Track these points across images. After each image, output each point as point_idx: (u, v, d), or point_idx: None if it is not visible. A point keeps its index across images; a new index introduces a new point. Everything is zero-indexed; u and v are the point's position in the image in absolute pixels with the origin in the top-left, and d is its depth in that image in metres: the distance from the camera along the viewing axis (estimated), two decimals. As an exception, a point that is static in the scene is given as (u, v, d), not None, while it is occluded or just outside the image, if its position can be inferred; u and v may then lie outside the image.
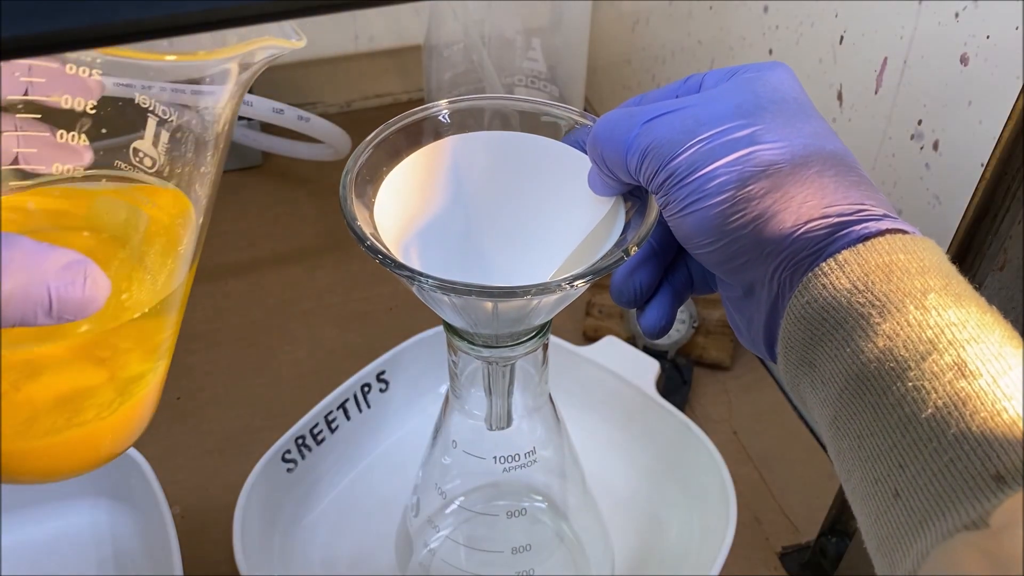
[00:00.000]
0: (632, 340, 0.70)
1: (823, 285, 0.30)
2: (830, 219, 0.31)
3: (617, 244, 0.36)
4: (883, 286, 0.29)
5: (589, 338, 0.73)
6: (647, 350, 0.69)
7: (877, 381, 0.28)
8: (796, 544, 0.62)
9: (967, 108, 0.50)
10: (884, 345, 0.28)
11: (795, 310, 0.31)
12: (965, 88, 0.50)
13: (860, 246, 0.30)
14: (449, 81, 0.83)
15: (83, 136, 0.28)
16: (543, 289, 0.33)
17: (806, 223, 0.31)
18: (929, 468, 0.26)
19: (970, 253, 0.43)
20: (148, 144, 0.29)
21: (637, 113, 0.34)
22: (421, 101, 0.90)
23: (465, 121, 0.39)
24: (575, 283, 0.33)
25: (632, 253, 0.34)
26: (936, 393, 0.27)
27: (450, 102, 0.39)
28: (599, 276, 0.34)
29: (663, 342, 0.72)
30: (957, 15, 0.49)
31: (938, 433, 0.26)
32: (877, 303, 0.29)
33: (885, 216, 0.31)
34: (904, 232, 0.31)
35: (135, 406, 0.31)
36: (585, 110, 0.42)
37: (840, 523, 0.58)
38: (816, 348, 0.30)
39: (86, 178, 0.29)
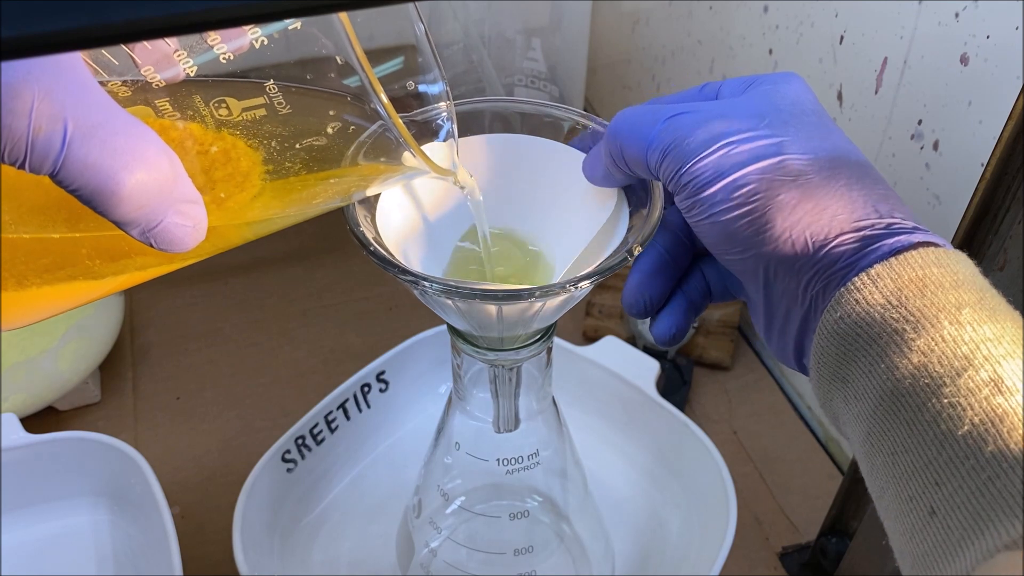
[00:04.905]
0: (632, 340, 0.70)
1: (856, 300, 0.29)
2: (862, 232, 0.30)
3: (621, 245, 0.36)
4: (917, 301, 0.28)
5: (589, 338, 0.74)
6: (647, 350, 0.69)
7: (912, 398, 0.27)
8: (796, 544, 0.62)
9: (967, 108, 0.50)
10: (919, 361, 0.27)
11: (827, 325, 0.30)
12: (965, 88, 0.50)
13: (893, 260, 0.29)
14: (449, 81, 0.83)
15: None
16: (547, 291, 0.33)
17: (837, 236, 0.31)
18: (966, 486, 0.25)
19: (970, 253, 0.42)
20: (238, 106, 0.29)
21: (659, 109, 0.33)
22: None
23: (466, 123, 0.39)
24: (579, 285, 0.33)
25: (636, 253, 0.34)
26: (972, 410, 0.26)
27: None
28: (603, 278, 0.34)
29: (663, 342, 0.72)
30: (957, 15, 0.49)
31: (975, 451, 0.26)
32: (911, 318, 0.28)
33: (915, 229, 0.31)
34: (936, 245, 0.30)
35: (103, 285, 0.31)
36: (585, 110, 0.42)
37: (840, 523, 0.58)
38: (849, 364, 0.30)
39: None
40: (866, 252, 0.30)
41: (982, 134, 0.50)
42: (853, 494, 0.56)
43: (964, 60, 0.50)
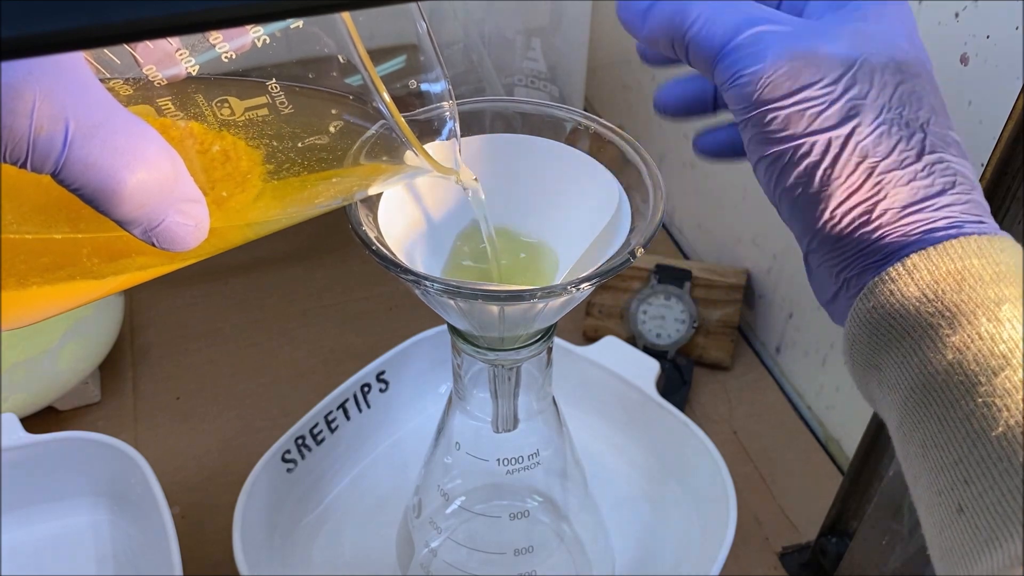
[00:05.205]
0: (632, 340, 0.70)
1: (890, 291, 0.28)
2: (908, 225, 0.29)
3: (623, 246, 0.35)
4: (954, 295, 0.27)
5: (589, 338, 0.74)
6: (647, 350, 0.69)
7: (944, 394, 0.27)
8: (796, 544, 0.62)
9: (967, 108, 0.50)
10: (953, 358, 0.27)
11: (860, 314, 0.29)
12: (965, 88, 0.50)
13: (931, 250, 0.28)
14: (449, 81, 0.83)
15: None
16: (549, 292, 0.33)
17: (883, 227, 0.30)
18: (997, 488, 0.25)
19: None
20: (240, 105, 0.29)
21: (744, 11, 0.30)
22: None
23: (467, 123, 0.39)
24: (581, 286, 0.33)
25: (638, 255, 0.34)
26: (1008, 411, 0.25)
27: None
28: (605, 279, 0.34)
29: (663, 342, 0.72)
30: (957, 15, 0.49)
31: (1008, 453, 0.25)
32: (947, 313, 0.27)
33: (968, 223, 0.29)
34: (982, 233, 0.29)
35: (103, 285, 0.31)
36: (585, 110, 0.41)
37: (840, 523, 0.58)
38: (882, 353, 0.29)
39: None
40: (906, 244, 0.29)
41: (982, 134, 0.50)
42: (853, 494, 0.56)
43: (964, 60, 0.50)
